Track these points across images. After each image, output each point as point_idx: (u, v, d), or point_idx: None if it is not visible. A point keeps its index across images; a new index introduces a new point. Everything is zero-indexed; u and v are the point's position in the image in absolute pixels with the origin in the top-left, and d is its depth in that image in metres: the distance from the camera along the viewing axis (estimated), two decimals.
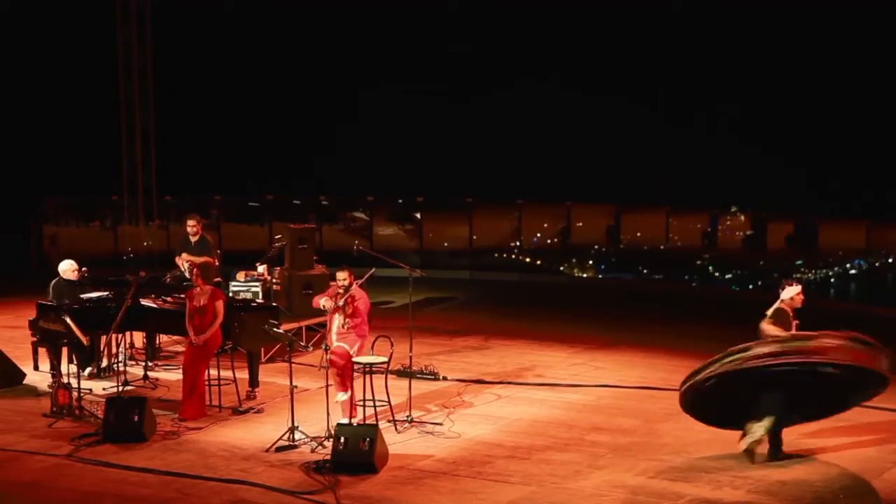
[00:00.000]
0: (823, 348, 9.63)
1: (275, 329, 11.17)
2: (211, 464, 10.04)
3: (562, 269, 21.26)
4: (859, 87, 20.80)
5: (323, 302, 11.07)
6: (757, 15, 21.53)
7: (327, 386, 10.74)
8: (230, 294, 13.73)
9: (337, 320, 10.98)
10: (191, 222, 14.07)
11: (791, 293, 10.16)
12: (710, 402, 10.11)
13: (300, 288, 14.62)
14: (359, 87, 24.07)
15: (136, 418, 10.61)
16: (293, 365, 10.80)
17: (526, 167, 22.56)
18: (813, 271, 19.06)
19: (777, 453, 10.00)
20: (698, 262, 20.34)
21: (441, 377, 12.90)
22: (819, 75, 21.04)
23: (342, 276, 10.98)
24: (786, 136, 21.32)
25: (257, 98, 23.70)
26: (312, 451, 10.27)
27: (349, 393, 10.89)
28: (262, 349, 12.89)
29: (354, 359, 10.92)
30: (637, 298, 18.96)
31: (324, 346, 10.75)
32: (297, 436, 10.49)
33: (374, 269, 11.58)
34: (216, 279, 12.15)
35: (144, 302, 12.66)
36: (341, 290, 10.92)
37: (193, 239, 14.00)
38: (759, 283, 19.33)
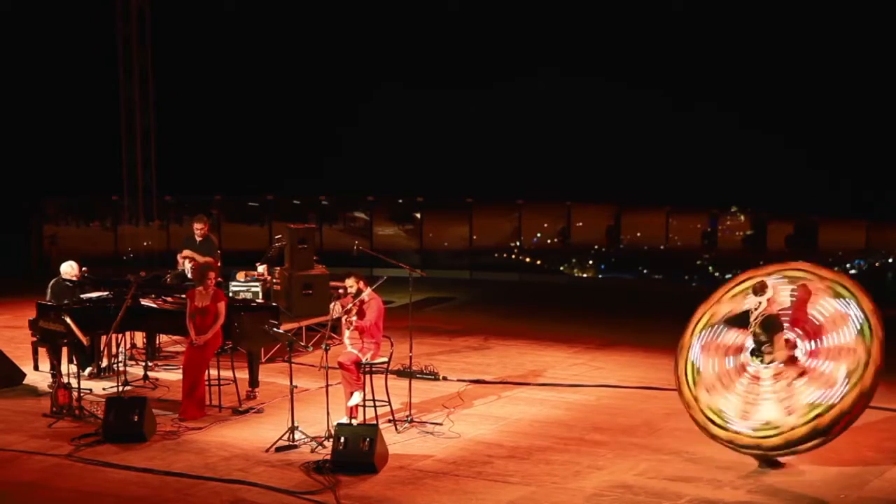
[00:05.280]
0: None
1: (275, 329, 11.18)
2: (211, 464, 10.04)
3: (562, 269, 21.25)
4: (860, 87, 20.78)
5: (332, 306, 11.15)
6: (756, 15, 21.51)
7: (327, 386, 10.75)
8: (230, 294, 13.73)
9: (349, 330, 11.05)
10: (198, 225, 14.11)
11: None
12: None
13: (300, 288, 14.64)
14: (359, 88, 24.07)
15: (136, 418, 10.61)
16: (293, 365, 10.82)
17: (526, 167, 22.55)
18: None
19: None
20: (698, 262, 20.32)
21: (441, 377, 12.91)
22: (820, 75, 21.02)
23: (349, 282, 11.02)
24: (785, 136, 21.29)
25: (258, 98, 23.70)
26: (312, 451, 10.27)
27: (362, 393, 10.91)
28: (262, 349, 12.90)
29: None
30: (637, 298, 18.97)
31: (324, 347, 10.75)
32: (297, 436, 10.49)
33: (385, 278, 11.59)
34: (216, 279, 12.16)
35: (144, 302, 12.67)
36: (351, 295, 10.96)
37: (198, 239, 14.04)
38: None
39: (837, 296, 9.77)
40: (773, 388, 9.76)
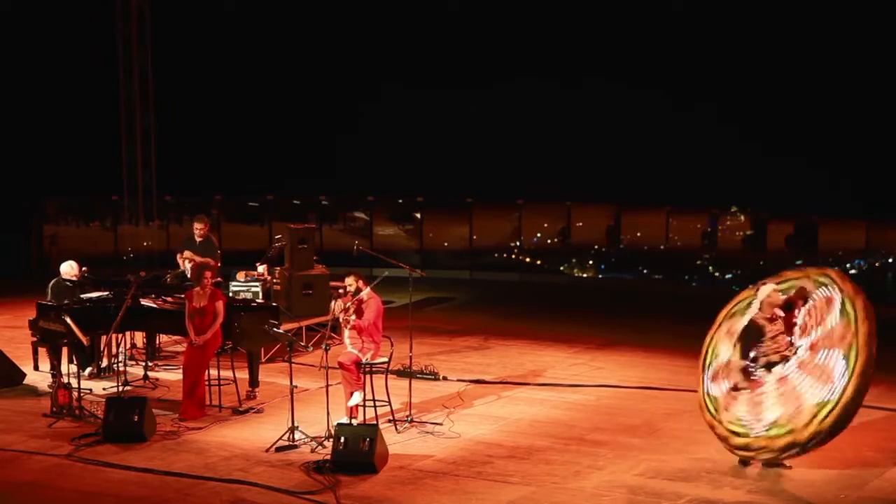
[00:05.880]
0: None
1: (275, 329, 11.18)
2: (211, 464, 10.05)
3: (562, 269, 21.24)
4: (860, 87, 20.77)
5: (333, 305, 11.14)
6: (756, 15, 21.51)
7: (327, 386, 10.75)
8: (230, 294, 13.74)
9: (348, 329, 11.06)
10: (198, 225, 14.11)
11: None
12: None
13: (300, 288, 14.64)
14: (359, 88, 24.05)
15: (136, 418, 10.62)
16: (293, 365, 10.82)
17: (526, 167, 22.53)
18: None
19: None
20: (698, 262, 20.32)
21: (441, 377, 12.91)
22: (820, 74, 21.01)
23: (349, 281, 11.03)
24: (786, 135, 21.29)
25: (258, 98, 23.69)
26: (312, 451, 10.28)
27: (363, 393, 10.91)
28: (262, 349, 12.90)
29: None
30: (637, 298, 18.97)
31: (324, 347, 10.75)
32: (297, 436, 10.50)
33: (385, 274, 11.62)
34: (216, 279, 12.17)
35: (144, 302, 12.67)
36: (350, 294, 10.96)
37: (199, 240, 14.04)
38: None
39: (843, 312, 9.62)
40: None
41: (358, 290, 10.97)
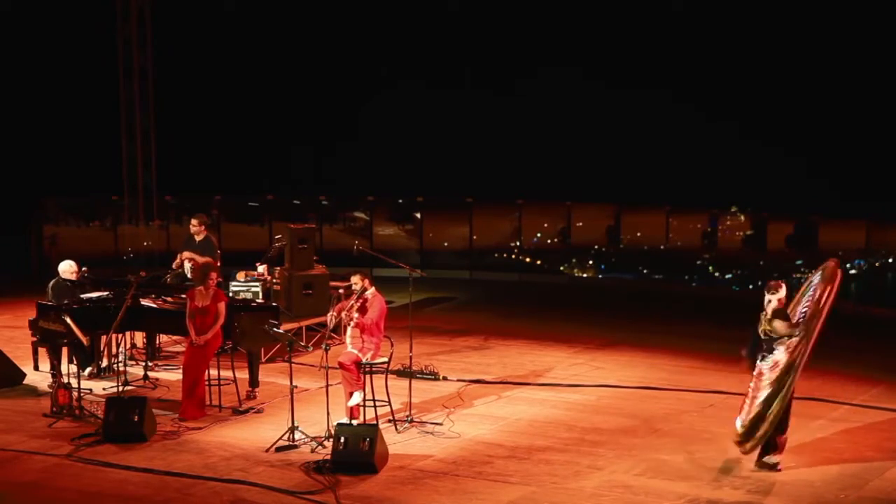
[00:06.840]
0: None
1: (275, 329, 11.17)
2: (211, 464, 10.05)
3: (562, 269, 21.24)
4: (861, 86, 20.78)
5: (329, 316, 11.09)
6: (757, 13, 21.51)
7: (327, 386, 10.75)
8: (230, 294, 13.73)
9: (350, 327, 11.05)
10: (193, 222, 14.12)
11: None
12: None
13: (300, 288, 14.64)
14: (359, 88, 24.06)
15: (136, 418, 10.62)
16: (293, 365, 10.82)
17: (526, 167, 22.55)
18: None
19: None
20: (698, 262, 20.32)
21: (441, 377, 12.91)
22: (821, 74, 21.02)
23: (355, 279, 11.02)
24: (786, 135, 21.30)
25: (258, 98, 23.70)
26: (312, 451, 10.28)
27: (363, 393, 10.91)
28: (262, 349, 12.90)
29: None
30: (637, 298, 18.97)
31: (324, 347, 10.75)
32: (297, 436, 10.50)
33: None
34: (217, 279, 12.16)
35: (144, 302, 12.67)
36: (355, 293, 10.95)
37: (197, 238, 14.04)
38: (760, 283, 19.29)
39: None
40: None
41: (363, 289, 10.96)
